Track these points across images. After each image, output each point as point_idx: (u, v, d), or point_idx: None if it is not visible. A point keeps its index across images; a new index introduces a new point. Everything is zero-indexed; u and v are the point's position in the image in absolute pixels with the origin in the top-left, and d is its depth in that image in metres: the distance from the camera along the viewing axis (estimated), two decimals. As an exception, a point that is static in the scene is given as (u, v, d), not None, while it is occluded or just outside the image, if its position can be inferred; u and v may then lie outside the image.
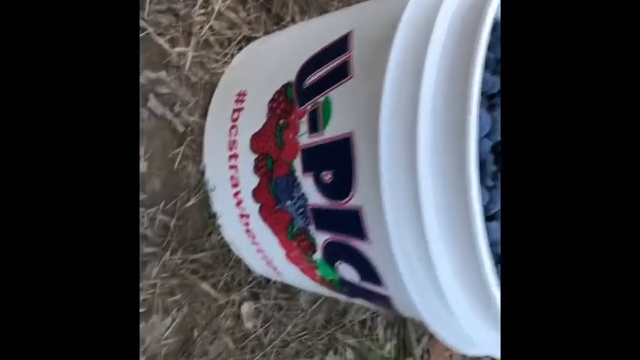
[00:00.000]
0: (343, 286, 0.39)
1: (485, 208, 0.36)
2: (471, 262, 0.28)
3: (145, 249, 0.40)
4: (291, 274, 0.43)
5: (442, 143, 0.29)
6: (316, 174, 0.35)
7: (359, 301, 0.41)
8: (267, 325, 0.50)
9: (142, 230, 0.40)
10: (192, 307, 0.44)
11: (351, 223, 0.33)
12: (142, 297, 0.40)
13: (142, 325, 0.40)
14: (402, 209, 0.29)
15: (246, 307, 0.48)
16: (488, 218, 0.37)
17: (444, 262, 0.29)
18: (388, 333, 0.68)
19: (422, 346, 0.74)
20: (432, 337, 0.77)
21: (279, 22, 0.54)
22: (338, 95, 0.34)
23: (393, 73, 0.30)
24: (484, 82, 0.37)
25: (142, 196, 0.41)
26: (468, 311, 0.30)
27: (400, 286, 0.32)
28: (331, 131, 0.34)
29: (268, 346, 0.49)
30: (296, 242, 0.39)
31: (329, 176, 0.34)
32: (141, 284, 0.40)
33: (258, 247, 0.43)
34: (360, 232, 0.33)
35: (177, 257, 0.43)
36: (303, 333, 0.54)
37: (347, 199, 0.33)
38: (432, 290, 0.30)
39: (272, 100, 0.39)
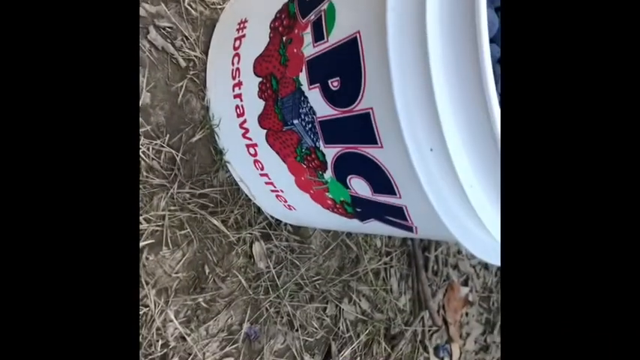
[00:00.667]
0: (356, 205, 0.38)
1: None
2: (487, 146, 0.27)
3: (153, 180, 0.40)
4: (301, 204, 0.42)
5: (451, 31, 0.28)
6: (323, 83, 0.34)
7: (372, 226, 0.40)
8: (279, 266, 0.49)
9: (148, 162, 0.40)
10: (203, 242, 0.43)
11: (362, 128, 0.32)
12: (150, 229, 0.39)
13: (151, 258, 0.39)
14: (413, 101, 0.28)
15: (258, 247, 0.47)
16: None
17: (458, 150, 0.28)
18: (402, 285, 0.67)
19: (437, 301, 0.73)
20: (447, 291, 0.76)
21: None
22: (341, -1, 0.33)
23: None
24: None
25: (147, 128, 0.40)
26: (486, 204, 0.29)
27: (415, 188, 0.31)
28: (336, 36, 0.33)
29: (282, 288, 0.49)
30: (305, 163, 0.38)
31: (336, 83, 0.33)
32: (149, 215, 0.39)
33: (267, 178, 0.43)
34: (371, 137, 0.32)
35: (185, 191, 0.42)
36: (317, 278, 0.53)
37: (356, 102, 0.32)
38: (448, 185, 0.29)
39: (274, 20, 0.38)
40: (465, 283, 0.80)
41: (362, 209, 0.38)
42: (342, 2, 0.33)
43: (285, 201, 0.44)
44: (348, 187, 0.36)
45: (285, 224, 0.50)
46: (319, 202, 0.40)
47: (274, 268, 0.48)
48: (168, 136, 0.41)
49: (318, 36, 0.34)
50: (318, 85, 0.34)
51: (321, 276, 0.54)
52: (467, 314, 0.80)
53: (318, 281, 0.53)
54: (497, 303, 0.84)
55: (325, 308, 0.54)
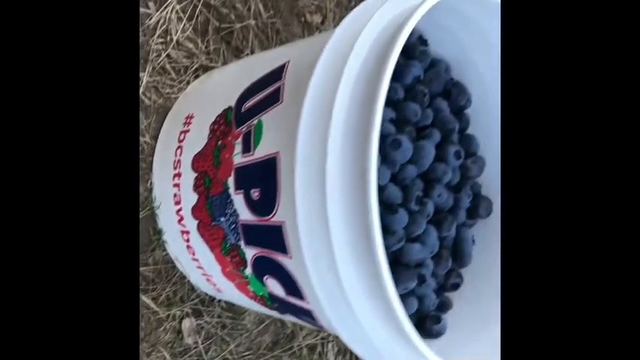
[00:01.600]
0: (273, 301, 0.40)
1: (407, 231, 0.38)
2: (371, 271, 0.30)
3: (86, 259, 0.42)
4: (228, 290, 0.45)
5: (350, 164, 0.31)
6: (246, 191, 0.37)
7: (291, 318, 0.42)
8: (208, 342, 0.51)
9: (84, 241, 0.42)
10: (131, 319, 0.45)
11: (275, 237, 0.35)
12: (79, 306, 0.41)
13: (77, 334, 0.41)
14: (315, 225, 0.32)
15: (187, 323, 0.49)
16: (411, 240, 0.39)
17: (349, 273, 0.31)
18: (339, 360, 0.69)
19: (374, 376, 0.75)
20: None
21: (238, 55, 0.57)
22: (269, 118, 0.37)
23: (311, 99, 0.32)
24: (415, 113, 0.40)
25: (87, 209, 0.43)
26: (376, 323, 0.32)
27: (317, 299, 0.34)
28: (260, 151, 0.36)
29: (208, 364, 0.50)
30: (229, 257, 0.41)
31: (257, 193, 0.36)
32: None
33: (197, 263, 0.45)
34: (282, 247, 0.35)
35: (119, 270, 0.44)
36: (247, 353, 0.55)
37: (271, 215, 0.35)
38: (343, 301, 0.32)
39: (214, 123, 0.42)
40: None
41: (278, 305, 0.40)
42: (269, 121, 0.37)
43: (215, 285, 0.46)
44: (265, 285, 0.39)
45: (219, 300, 0.52)
46: (243, 291, 0.43)
47: (203, 343, 0.50)
48: (108, 216, 0.44)
49: (246, 148, 0.38)
50: (242, 191, 0.38)
51: (252, 351, 0.56)
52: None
53: (248, 356, 0.55)
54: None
55: (253, 383, 0.56)
